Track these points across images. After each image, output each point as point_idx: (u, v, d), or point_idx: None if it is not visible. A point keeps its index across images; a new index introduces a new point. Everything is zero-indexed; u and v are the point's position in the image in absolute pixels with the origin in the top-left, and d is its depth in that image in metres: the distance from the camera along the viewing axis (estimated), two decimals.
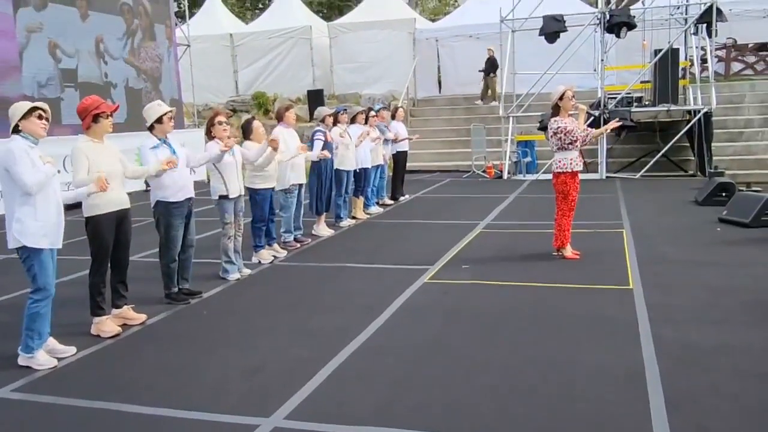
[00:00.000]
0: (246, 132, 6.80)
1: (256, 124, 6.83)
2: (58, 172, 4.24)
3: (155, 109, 5.33)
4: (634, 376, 3.76)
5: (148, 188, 5.48)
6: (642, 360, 3.97)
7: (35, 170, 4.07)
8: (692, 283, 5.61)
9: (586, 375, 3.80)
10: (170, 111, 5.36)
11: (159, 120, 5.29)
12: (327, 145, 8.18)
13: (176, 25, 17.06)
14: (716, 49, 15.29)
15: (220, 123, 6.06)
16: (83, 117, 4.70)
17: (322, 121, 8.40)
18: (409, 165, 12.19)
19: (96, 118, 4.68)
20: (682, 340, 4.30)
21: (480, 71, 17.81)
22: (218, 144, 6.00)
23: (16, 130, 4.14)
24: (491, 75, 17.59)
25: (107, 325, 4.83)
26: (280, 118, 7.51)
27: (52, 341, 4.42)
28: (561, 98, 6.56)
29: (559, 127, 6.51)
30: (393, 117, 11.17)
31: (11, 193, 4.14)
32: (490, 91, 17.79)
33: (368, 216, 9.75)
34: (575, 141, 6.50)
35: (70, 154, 4.67)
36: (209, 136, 6.11)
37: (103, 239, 4.78)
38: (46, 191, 4.17)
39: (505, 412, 3.40)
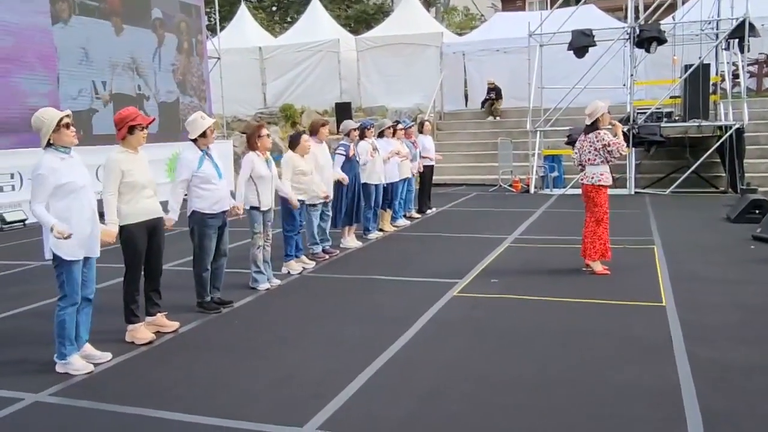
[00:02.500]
0: (293, 143, 6.96)
1: (305, 138, 7.05)
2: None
3: (198, 123, 5.42)
4: (670, 395, 3.71)
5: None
6: (677, 379, 3.91)
7: (72, 189, 4.15)
8: (727, 302, 5.53)
9: (620, 393, 3.75)
10: (213, 124, 5.46)
11: (202, 134, 5.39)
12: (350, 161, 8.23)
13: (207, 37, 17.36)
14: (748, 65, 15.12)
15: (268, 135, 6.22)
16: (119, 127, 4.79)
17: (347, 134, 8.46)
18: (435, 178, 12.20)
19: (131, 130, 4.76)
20: (718, 359, 4.23)
21: (487, 99, 18.18)
22: (259, 157, 6.11)
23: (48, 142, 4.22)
24: (498, 100, 18.12)
25: (141, 332, 4.91)
26: (314, 132, 7.59)
27: (88, 347, 4.50)
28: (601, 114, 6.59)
29: (611, 141, 6.50)
30: (420, 131, 11.21)
31: (49, 203, 4.20)
32: (495, 111, 18.18)
33: (395, 229, 9.77)
34: (618, 155, 6.54)
35: (104, 164, 4.76)
36: (252, 147, 6.20)
37: (136, 248, 4.85)
38: (81, 203, 4.24)
39: (536, 431, 3.37)
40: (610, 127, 6.74)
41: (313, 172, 7.15)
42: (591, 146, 6.58)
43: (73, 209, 4.21)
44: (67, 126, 4.22)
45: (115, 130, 4.84)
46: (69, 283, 4.27)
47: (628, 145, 13.02)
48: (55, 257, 4.23)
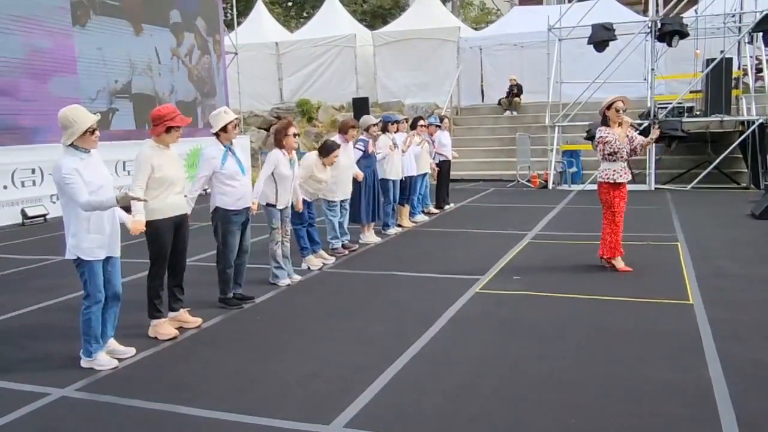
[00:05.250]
0: (324, 152, 6.90)
1: (336, 154, 6.93)
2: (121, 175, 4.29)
3: (221, 117, 5.41)
4: (703, 394, 3.63)
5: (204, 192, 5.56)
6: (709, 378, 3.84)
7: (91, 190, 4.10)
8: (756, 299, 5.42)
9: (652, 392, 3.68)
10: (235, 119, 5.44)
11: (224, 128, 5.38)
12: (369, 156, 8.19)
13: (224, 31, 17.38)
14: None
15: (295, 135, 6.13)
16: (156, 124, 4.77)
17: (367, 130, 8.41)
18: (453, 174, 12.13)
19: (169, 130, 4.77)
20: (751, 358, 4.15)
21: (505, 98, 18.02)
22: (284, 156, 6.08)
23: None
24: (517, 98, 18.03)
25: (164, 327, 4.91)
26: (344, 131, 7.58)
27: (113, 342, 4.51)
28: (608, 108, 6.47)
29: (600, 137, 6.46)
30: (438, 127, 11.11)
31: (65, 205, 4.21)
32: (513, 105, 18.05)
33: (414, 224, 9.73)
34: (615, 153, 6.40)
35: (136, 159, 4.76)
36: (278, 145, 6.15)
37: (162, 243, 4.85)
38: None
39: (567, 429, 3.32)
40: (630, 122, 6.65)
41: (328, 181, 7.10)
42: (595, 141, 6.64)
43: (94, 213, 4.18)
44: (93, 132, 4.21)
45: (141, 126, 4.82)
46: (92, 283, 4.27)
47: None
48: (76, 257, 4.23)
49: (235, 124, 5.45)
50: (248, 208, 5.57)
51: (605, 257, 6.63)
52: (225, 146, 5.41)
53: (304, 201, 6.82)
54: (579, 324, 4.94)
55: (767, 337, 4.53)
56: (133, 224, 4.50)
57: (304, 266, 6.97)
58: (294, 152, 6.24)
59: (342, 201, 7.65)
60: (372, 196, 8.35)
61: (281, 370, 4.22)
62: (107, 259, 4.33)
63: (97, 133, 4.26)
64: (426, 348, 4.52)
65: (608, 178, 6.47)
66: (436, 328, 4.91)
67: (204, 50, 16.07)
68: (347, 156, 7.54)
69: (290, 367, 4.27)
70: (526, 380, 3.92)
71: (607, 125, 6.49)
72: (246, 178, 5.52)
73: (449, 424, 3.41)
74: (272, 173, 6.08)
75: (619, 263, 6.57)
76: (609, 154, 6.42)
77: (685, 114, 13.55)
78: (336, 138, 7.46)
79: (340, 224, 7.76)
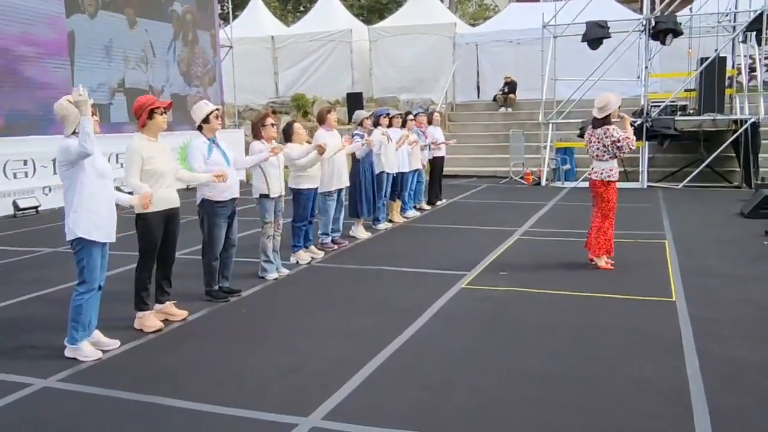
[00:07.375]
0: (287, 135, 6.91)
1: (297, 126, 6.97)
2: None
3: (202, 108, 5.45)
4: (679, 391, 3.67)
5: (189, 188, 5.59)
6: (686, 375, 3.88)
7: (97, 173, 4.21)
8: (739, 298, 5.47)
9: (630, 389, 3.72)
10: (216, 109, 5.45)
11: (206, 119, 5.39)
12: (364, 151, 8.21)
13: (219, 25, 17.34)
14: (765, 58, 14.89)
15: (272, 125, 6.14)
16: (139, 115, 4.80)
17: (360, 124, 8.42)
18: (446, 170, 12.16)
19: (151, 114, 4.78)
20: (729, 356, 4.19)
21: (502, 93, 18.04)
22: (264, 145, 6.09)
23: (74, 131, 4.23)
24: (511, 95, 18.09)
25: (150, 320, 4.93)
26: (322, 120, 7.55)
27: (97, 334, 4.53)
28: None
29: (621, 136, 6.42)
30: (429, 122, 11.14)
31: (69, 187, 4.26)
32: (508, 101, 18.07)
33: (405, 220, 9.76)
34: (628, 150, 6.47)
35: (126, 152, 4.79)
36: (257, 136, 6.19)
37: (152, 236, 4.87)
38: (104, 190, 4.28)
39: (545, 425, 3.35)
40: (618, 120, 6.66)
41: (311, 160, 7.03)
42: (599, 142, 6.51)
43: (97, 194, 4.25)
44: (92, 113, 4.24)
45: (134, 119, 4.86)
46: (89, 269, 4.31)
47: (640, 138, 12.95)
48: (78, 241, 4.26)
49: (217, 114, 5.46)
50: (234, 200, 5.59)
51: (595, 255, 6.64)
52: (209, 139, 5.43)
53: (307, 194, 6.84)
54: (562, 320, 4.97)
55: (746, 335, 4.57)
56: (141, 198, 4.54)
57: (292, 260, 6.99)
58: (274, 141, 6.24)
59: (339, 191, 7.65)
60: (372, 191, 8.38)
61: (264, 362, 4.25)
62: (102, 246, 4.38)
63: (97, 117, 4.29)
64: (408, 343, 4.55)
65: (615, 176, 6.52)
66: (420, 323, 4.94)
67: (199, 43, 16.03)
68: (334, 142, 7.50)
69: (273, 360, 4.29)
70: (505, 376, 3.96)
71: (610, 125, 6.49)
72: (231, 169, 5.53)
73: (428, 418, 3.44)
74: (259, 164, 6.10)
75: (601, 262, 6.60)
76: (624, 153, 6.48)
77: (679, 112, 13.59)
78: (320, 130, 7.46)
79: (335, 220, 7.77)
